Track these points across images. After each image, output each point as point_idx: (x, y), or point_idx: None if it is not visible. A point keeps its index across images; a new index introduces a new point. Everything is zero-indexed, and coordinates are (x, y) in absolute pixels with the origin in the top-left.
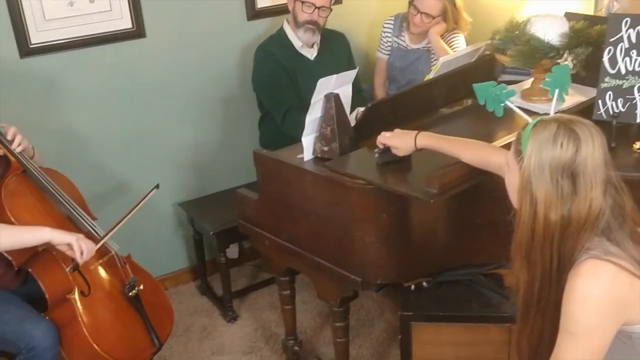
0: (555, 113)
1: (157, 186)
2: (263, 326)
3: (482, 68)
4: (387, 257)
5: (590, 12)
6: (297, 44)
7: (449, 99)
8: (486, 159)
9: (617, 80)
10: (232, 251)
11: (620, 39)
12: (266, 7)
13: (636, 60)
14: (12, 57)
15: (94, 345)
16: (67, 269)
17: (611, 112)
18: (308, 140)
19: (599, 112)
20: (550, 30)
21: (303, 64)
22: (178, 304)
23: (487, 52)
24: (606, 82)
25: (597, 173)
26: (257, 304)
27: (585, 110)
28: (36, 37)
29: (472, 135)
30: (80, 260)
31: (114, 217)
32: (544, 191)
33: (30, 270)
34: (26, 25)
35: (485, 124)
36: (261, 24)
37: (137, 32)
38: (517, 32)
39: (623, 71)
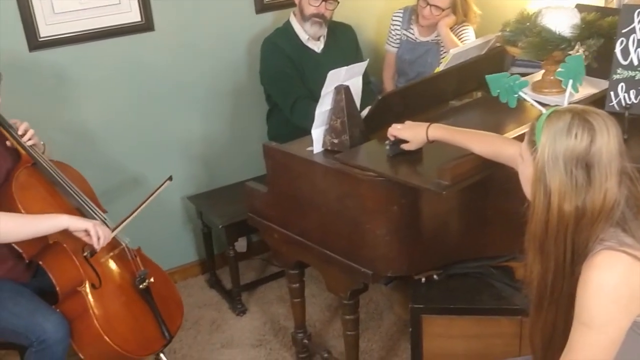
0: (569, 104)
1: (170, 178)
2: (272, 319)
3: (492, 60)
4: (398, 250)
5: (602, 4)
6: (303, 37)
7: (459, 91)
8: (498, 150)
9: (630, 72)
10: (241, 245)
11: (633, 30)
12: (274, 0)
13: None
14: (21, 50)
15: (105, 337)
16: (85, 254)
17: (624, 104)
18: (318, 132)
19: (611, 104)
20: (562, 21)
21: (310, 56)
22: (187, 297)
23: (498, 44)
24: (618, 74)
25: (612, 164)
26: (266, 297)
27: (597, 102)
28: (45, 31)
29: (482, 127)
30: (97, 246)
31: (123, 210)
32: (558, 182)
33: (41, 262)
34: (35, 18)
35: (496, 116)
36: (269, 17)
37: (145, 25)
38: (528, 23)
39: (635, 62)
